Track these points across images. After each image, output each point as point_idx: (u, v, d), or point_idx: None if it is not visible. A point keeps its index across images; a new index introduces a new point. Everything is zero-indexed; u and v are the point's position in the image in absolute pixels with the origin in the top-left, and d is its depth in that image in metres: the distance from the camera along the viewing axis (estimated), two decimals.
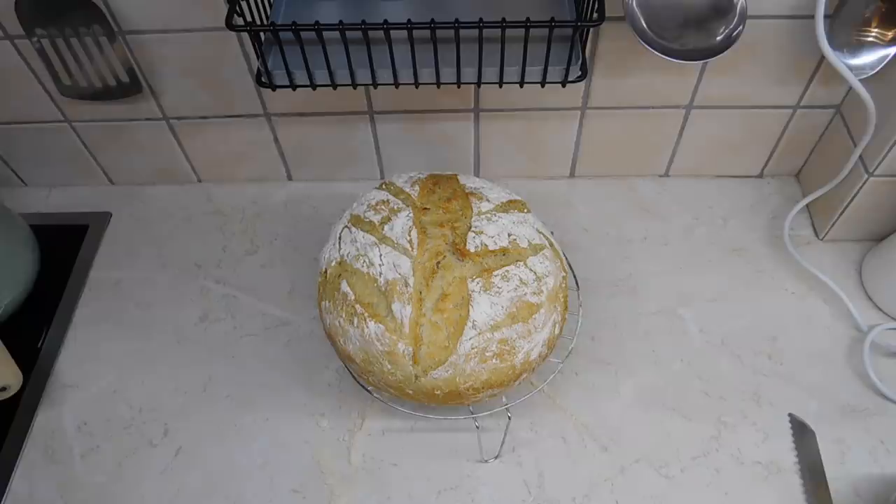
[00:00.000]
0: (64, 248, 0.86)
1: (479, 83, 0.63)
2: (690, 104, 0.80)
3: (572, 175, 0.91)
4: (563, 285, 0.66)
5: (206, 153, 0.88)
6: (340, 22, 0.57)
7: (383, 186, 0.69)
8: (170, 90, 0.79)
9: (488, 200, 0.65)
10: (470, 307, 0.59)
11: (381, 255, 0.61)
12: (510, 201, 0.67)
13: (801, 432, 0.69)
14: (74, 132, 0.85)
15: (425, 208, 0.64)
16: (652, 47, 0.64)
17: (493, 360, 0.60)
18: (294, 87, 0.63)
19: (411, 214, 0.63)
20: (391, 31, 0.58)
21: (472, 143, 0.86)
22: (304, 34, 0.58)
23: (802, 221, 0.85)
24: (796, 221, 0.84)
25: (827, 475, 0.66)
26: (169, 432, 0.71)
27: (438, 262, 0.60)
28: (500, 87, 0.64)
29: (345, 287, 0.62)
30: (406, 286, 0.59)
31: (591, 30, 0.68)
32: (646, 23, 0.64)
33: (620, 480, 0.67)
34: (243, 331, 0.78)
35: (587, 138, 0.85)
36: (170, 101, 0.80)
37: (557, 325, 0.64)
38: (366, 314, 0.60)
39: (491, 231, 0.62)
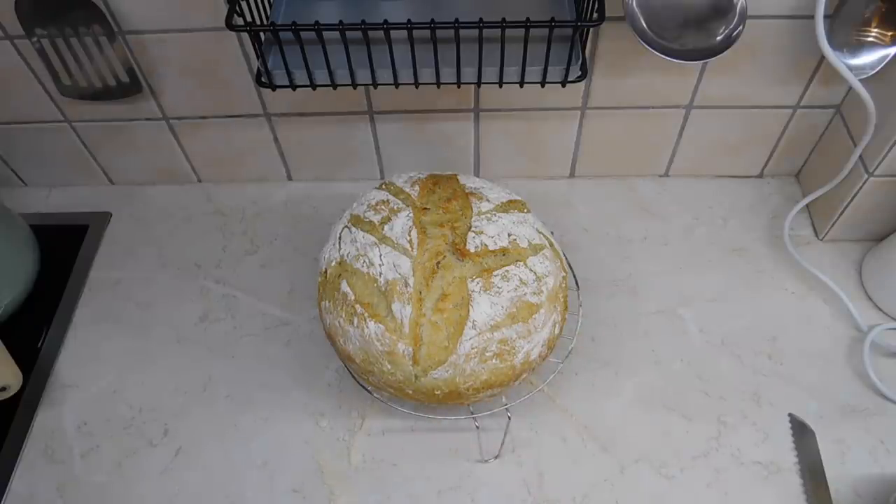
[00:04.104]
0: (64, 248, 0.86)
1: (479, 83, 0.63)
2: (690, 104, 0.80)
3: (572, 175, 0.91)
4: (563, 285, 0.66)
5: (206, 153, 0.88)
6: (340, 22, 0.57)
7: (383, 186, 0.68)
8: (170, 90, 0.79)
9: (488, 200, 0.65)
10: (470, 307, 0.59)
11: (381, 255, 0.61)
12: (510, 201, 0.67)
13: (801, 432, 0.69)
14: (74, 132, 0.85)
15: (425, 208, 0.64)
16: (652, 47, 0.64)
17: (493, 360, 0.60)
18: (294, 87, 0.63)
19: (411, 214, 0.63)
20: (391, 31, 0.58)
21: (472, 143, 0.86)
22: (303, 34, 0.58)
23: (802, 221, 0.85)
24: (796, 221, 0.84)
25: (827, 475, 0.66)
26: (169, 432, 0.71)
27: (438, 262, 0.60)
28: (500, 87, 0.64)
29: (345, 287, 0.62)
30: (406, 286, 0.59)
31: (591, 30, 0.68)
32: (646, 23, 0.64)
33: (620, 480, 0.67)
34: (243, 331, 0.78)
35: (587, 138, 0.85)
36: (170, 101, 0.80)
37: (557, 325, 0.64)
38: (366, 314, 0.60)
39: (491, 231, 0.62)
